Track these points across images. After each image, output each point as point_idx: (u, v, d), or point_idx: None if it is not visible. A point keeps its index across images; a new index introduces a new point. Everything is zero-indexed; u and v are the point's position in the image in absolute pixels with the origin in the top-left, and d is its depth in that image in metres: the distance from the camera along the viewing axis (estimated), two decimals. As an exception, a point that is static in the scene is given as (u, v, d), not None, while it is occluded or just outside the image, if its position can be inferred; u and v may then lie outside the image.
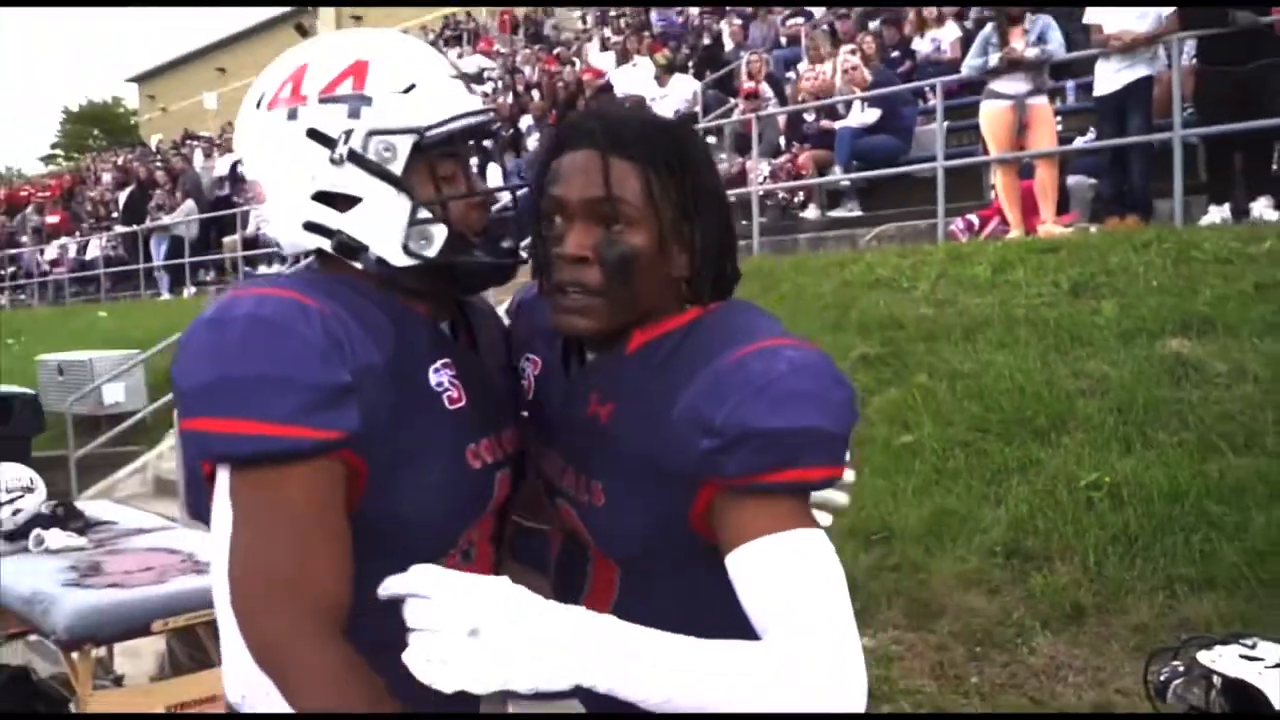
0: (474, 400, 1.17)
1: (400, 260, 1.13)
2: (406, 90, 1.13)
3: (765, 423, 0.99)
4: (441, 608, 0.86)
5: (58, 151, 45.16)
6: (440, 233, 1.14)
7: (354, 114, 1.12)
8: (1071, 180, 6.96)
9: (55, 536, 3.37)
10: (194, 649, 3.35)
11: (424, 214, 1.14)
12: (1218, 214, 5.91)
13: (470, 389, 1.17)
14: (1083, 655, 3.05)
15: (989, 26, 6.70)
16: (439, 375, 1.14)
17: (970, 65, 6.76)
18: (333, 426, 0.99)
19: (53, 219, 19.65)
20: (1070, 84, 8.02)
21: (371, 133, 1.11)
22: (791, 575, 0.97)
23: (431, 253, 1.14)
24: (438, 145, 1.14)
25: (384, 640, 1.02)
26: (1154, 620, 3.09)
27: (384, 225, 1.13)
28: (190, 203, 14.25)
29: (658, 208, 1.09)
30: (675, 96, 11.00)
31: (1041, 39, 6.44)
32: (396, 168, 1.12)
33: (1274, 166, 6.08)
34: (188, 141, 22.49)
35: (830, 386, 1.03)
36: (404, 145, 1.12)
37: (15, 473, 3.61)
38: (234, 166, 15.19)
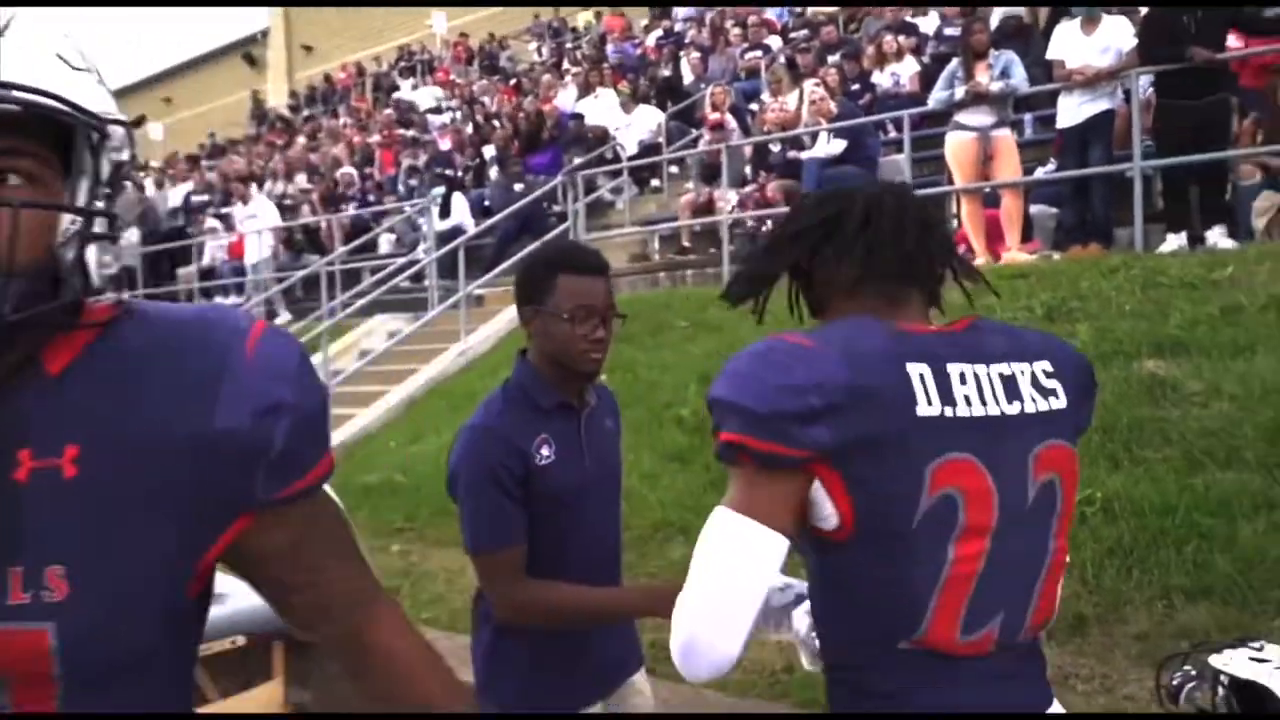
0: None
1: None
2: None
3: (710, 392, 1.20)
4: None
5: (-8, 181, 43.93)
6: None
7: None
8: (1034, 209, 7.19)
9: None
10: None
11: None
12: (1175, 242, 6.14)
13: None
14: (1089, 664, 3.14)
15: (954, 61, 6.93)
16: None
17: (936, 98, 6.98)
18: None
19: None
20: (1028, 116, 8.30)
21: None
22: (700, 546, 1.17)
23: None
24: None
25: None
26: (1154, 629, 3.19)
27: None
28: (134, 231, 13.14)
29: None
30: (640, 126, 11.16)
31: (1005, 73, 6.67)
32: None
33: (1227, 196, 6.33)
34: (134, 171, 22.11)
35: (752, 364, 1.16)
36: None
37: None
38: (187, 197, 15.00)
